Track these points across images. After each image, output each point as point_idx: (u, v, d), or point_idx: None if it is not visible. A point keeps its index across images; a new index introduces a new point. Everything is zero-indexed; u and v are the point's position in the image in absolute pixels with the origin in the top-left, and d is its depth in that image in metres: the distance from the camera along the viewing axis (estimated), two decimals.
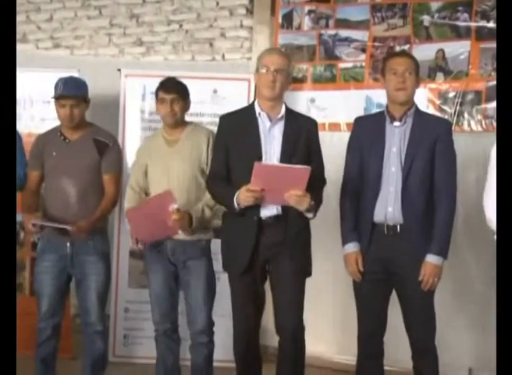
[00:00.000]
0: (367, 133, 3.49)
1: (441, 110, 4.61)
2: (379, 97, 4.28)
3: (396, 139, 3.41)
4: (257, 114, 3.42)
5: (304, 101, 4.87)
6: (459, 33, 4.64)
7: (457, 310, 3.88)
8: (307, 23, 5.04)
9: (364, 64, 4.87)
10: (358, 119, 3.64)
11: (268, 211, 3.35)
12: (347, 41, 4.92)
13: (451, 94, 4.62)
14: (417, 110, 3.48)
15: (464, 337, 3.98)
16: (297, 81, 4.92)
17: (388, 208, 3.36)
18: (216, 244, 3.65)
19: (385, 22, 4.84)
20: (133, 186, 3.80)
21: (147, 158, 3.79)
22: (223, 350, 3.88)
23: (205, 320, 3.70)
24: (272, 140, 3.38)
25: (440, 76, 4.66)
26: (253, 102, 3.52)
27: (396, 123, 3.43)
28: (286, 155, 3.33)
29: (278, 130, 3.40)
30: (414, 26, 4.74)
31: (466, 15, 4.63)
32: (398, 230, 3.34)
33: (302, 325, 3.46)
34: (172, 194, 3.47)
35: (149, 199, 3.64)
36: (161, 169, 3.70)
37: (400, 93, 3.38)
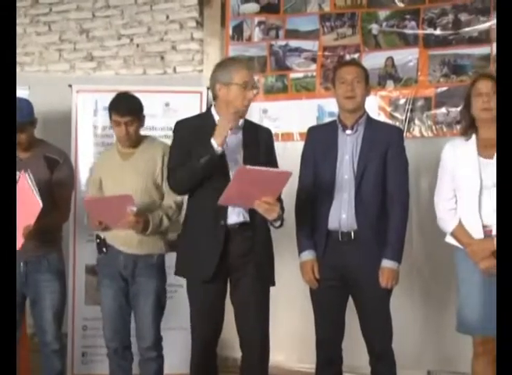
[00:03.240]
0: (320, 142, 3.51)
1: (392, 117, 4.68)
2: (331, 106, 4.30)
3: (349, 147, 3.44)
4: (216, 121, 3.33)
5: (256, 112, 4.87)
6: (407, 41, 4.72)
7: (413, 313, 3.92)
8: (257, 34, 5.07)
9: (315, 74, 4.91)
10: (311, 129, 3.66)
11: (235, 218, 3.29)
12: (298, 51, 4.97)
13: (401, 101, 4.69)
14: (369, 118, 3.52)
15: (421, 340, 4.02)
16: None
17: (342, 215, 3.38)
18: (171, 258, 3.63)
19: (334, 31, 4.89)
20: None
21: (100, 172, 3.76)
22: (179, 362, 3.86)
23: (153, 336, 3.67)
24: (234, 148, 3.33)
25: (390, 83, 4.72)
26: (209, 110, 3.46)
27: (348, 132, 3.46)
28: (248, 164, 3.24)
29: (237, 139, 3.35)
30: (363, 35, 4.80)
31: (413, 23, 4.71)
32: (352, 236, 3.36)
33: (268, 339, 3.42)
34: (131, 198, 3.45)
35: (109, 196, 3.59)
36: (114, 182, 3.67)
37: (349, 101, 3.41)
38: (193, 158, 3.25)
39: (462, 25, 4.59)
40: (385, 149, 3.39)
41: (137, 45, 5.42)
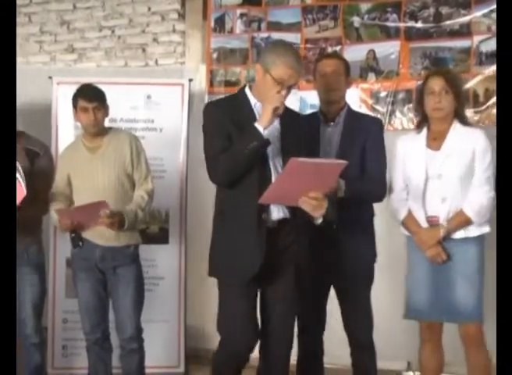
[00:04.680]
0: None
1: (373, 110, 4.68)
2: (313, 98, 4.28)
3: (330, 139, 3.45)
4: (252, 105, 3.11)
5: None
6: (388, 34, 4.72)
7: (394, 305, 3.91)
8: (239, 26, 5.05)
9: None
10: None
11: (275, 214, 3.04)
12: None
13: (383, 94, 4.70)
14: (350, 110, 3.53)
15: (401, 331, 4.03)
16: (231, 85, 4.94)
17: None
18: (146, 251, 3.62)
19: (316, 24, 4.88)
20: (56, 197, 3.72)
21: (67, 168, 3.73)
22: (159, 355, 3.86)
23: (135, 327, 3.69)
24: (271, 136, 3.02)
25: (372, 76, 4.73)
26: (243, 90, 3.18)
27: (330, 124, 3.47)
28: (286, 151, 3.04)
29: (274, 127, 3.04)
30: (345, 28, 4.80)
31: (395, 15, 4.71)
32: (334, 227, 3.37)
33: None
34: (106, 205, 3.44)
35: (82, 205, 3.56)
36: (85, 177, 3.65)
37: (329, 93, 3.42)
38: (235, 144, 2.97)
39: (443, 18, 4.60)
40: (364, 140, 3.41)
41: (119, 37, 5.38)
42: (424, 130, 3.47)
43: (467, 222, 3.33)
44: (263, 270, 2.99)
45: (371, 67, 4.72)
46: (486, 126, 4.34)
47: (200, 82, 5.03)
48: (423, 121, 3.50)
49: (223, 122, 3.03)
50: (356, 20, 4.79)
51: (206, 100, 4.96)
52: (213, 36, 5.09)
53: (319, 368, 3.57)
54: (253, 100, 3.12)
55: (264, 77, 3.00)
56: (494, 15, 4.44)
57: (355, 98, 4.58)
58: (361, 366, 3.51)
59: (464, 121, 3.45)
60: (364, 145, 3.39)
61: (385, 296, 4.11)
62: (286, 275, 3.11)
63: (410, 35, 4.66)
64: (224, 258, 3.09)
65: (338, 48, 4.79)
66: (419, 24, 4.65)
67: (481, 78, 4.47)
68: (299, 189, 2.80)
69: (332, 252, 3.37)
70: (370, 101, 4.72)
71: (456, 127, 3.41)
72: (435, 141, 3.41)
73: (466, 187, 3.33)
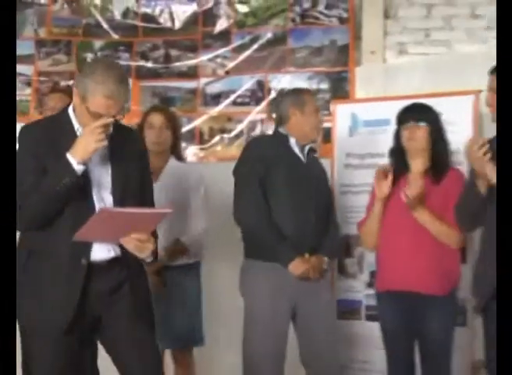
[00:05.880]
0: None
1: None
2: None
3: None
4: (75, 129, 2.57)
5: None
6: None
7: None
8: None
9: (29, 98, 4.91)
10: None
11: (104, 253, 2.56)
12: None
13: None
14: None
15: None
16: None
17: None
18: None
19: (50, 57, 4.95)
20: None
21: None
22: None
23: None
24: (97, 159, 2.57)
25: None
26: (66, 112, 2.62)
27: None
28: (117, 177, 2.61)
29: (101, 148, 2.51)
30: (79, 63, 4.91)
31: (127, 54, 4.92)
32: None
33: None
34: None
35: None
36: None
37: None
38: (46, 181, 2.48)
39: (172, 60, 4.89)
40: None
41: None
42: None
43: (183, 250, 3.54)
44: (82, 317, 2.54)
45: None
46: (211, 162, 4.69)
47: None
48: None
49: (38, 152, 2.52)
50: (89, 56, 4.92)
51: None
52: None
53: None
54: (76, 124, 2.58)
55: (81, 106, 2.49)
56: (219, 59, 4.83)
57: None
58: None
59: (179, 157, 3.73)
60: None
61: None
62: (121, 317, 2.61)
63: (141, 74, 4.90)
64: (32, 307, 2.55)
65: (71, 82, 4.86)
66: (150, 64, 4.90)
67: (207, 117, 4.81)
68: (118, 231, 2.49)
69: None
70: None
71: (172, 163, 3.66)
72: (155, 175, 3.54)
73: (181, 218, 3.55)
